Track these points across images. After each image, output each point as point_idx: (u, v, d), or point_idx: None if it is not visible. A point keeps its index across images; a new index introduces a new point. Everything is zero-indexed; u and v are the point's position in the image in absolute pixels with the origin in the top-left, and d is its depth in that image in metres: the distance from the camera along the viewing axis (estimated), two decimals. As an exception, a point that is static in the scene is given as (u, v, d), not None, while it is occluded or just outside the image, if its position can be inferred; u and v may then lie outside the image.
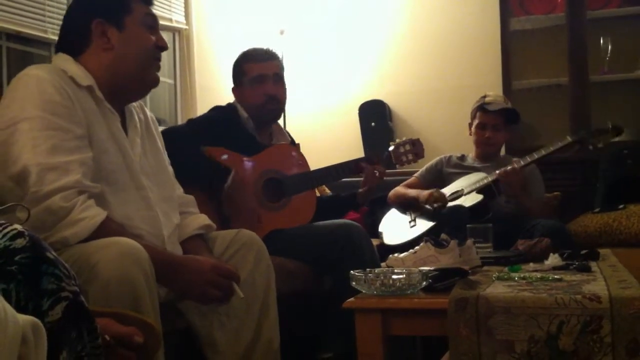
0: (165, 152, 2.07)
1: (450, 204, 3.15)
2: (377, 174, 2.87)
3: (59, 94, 1.71)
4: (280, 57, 2.98)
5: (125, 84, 1.88)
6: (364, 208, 3.47)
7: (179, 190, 2.08)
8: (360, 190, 2.91)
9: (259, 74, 2.82)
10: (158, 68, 1.93)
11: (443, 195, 3.20)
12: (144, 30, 1.89)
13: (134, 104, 1.98)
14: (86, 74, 1.81)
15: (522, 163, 3.15)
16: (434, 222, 3.17)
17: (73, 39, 1.88)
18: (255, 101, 2.81)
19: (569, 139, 3.17)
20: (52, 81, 1.72)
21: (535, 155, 3.14)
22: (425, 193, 3.24)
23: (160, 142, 2.05)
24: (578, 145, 3.22)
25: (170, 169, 2.07)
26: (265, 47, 2.94)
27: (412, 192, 3.38)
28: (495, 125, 3.35)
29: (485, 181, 3.18)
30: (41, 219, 1.59)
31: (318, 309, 2.72)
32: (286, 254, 2.55)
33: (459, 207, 3.08)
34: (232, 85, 2.93)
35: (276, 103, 2.85)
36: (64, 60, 1.84)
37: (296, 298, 2.49)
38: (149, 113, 2.06)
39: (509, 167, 3.12)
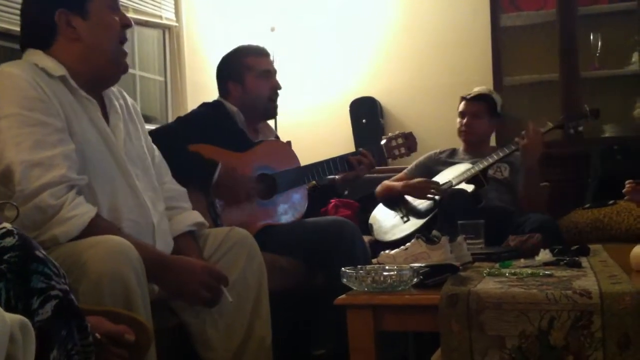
0: (149, 138, 2.06)
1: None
2: (365, 163, 2.86)
3: (34, 89, 1.69)
4: (271, 53, 3.00)
5: (99, 71, 1.86)
6: (355, 204, 3.48)
7: (168, 176, 2.07)
8: (337, 177, 2.90)
9: (266, 68, 2.88)
10: (125, 53, 1.91)
11: (435, 183, 3.24)
12: (108, 13, 1.86)
13: (112, 89, 1.96)
14: (58, 65, 1.80)
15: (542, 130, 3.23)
16: (427, 215, 3.18)
17: (38, 33, 1.85)
18: (262, 94, 2.85)
19: (549, 124, 3.31)
20: (25, 77, 1.70)
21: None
22: (414, 181, 3.28)
23: (142, 128, 2.03)
24: (558, 129, 3.37)
25: (158, 154, 2.06)
26: (255, 43, 2.97)
27: (398, 184, 3.39)
28: (474, 112, 3.38)
29: (473, 171, 3.20)
30: (30, 218, 1.58)
31: (310, 306, 2.72)
32: (278, 250, 2.55)
33: (462, 191, 3.09)
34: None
35: (277, 98, 2.90)
36: (33, 55, 1.82)
37: (288, 295, 2.49)
38: (129, 99, 2.04)
39: (532, 128, 3.17)
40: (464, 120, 3.40)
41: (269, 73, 2.88)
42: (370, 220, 3.40)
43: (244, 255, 1.99)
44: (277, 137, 3.05)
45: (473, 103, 3.39)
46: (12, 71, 1.73)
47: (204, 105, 2.89)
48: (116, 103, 1.94)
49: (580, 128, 3.37)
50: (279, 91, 2.92)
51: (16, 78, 1.70)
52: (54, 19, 1.82)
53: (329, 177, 2.92)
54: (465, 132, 3.41)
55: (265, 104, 2.86)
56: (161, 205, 1.95)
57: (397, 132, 3.02)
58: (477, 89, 3.45)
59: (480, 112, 3.38)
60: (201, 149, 2.59)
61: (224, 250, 1.99)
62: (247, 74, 2.86)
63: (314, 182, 2.90)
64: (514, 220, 2.99)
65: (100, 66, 1.85)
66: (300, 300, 2.69)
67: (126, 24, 1.90)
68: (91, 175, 1.73)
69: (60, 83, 1.78)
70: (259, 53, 2.91)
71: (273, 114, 2.96)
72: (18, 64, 1.78)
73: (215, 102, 2.89)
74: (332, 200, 3.34)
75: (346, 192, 3.07)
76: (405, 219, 3.28)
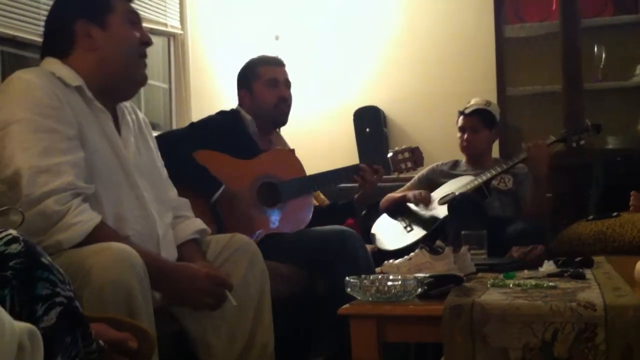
0: (159, 153, 2.07)
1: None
2: (373, 178, 2.87)
3: (48, 96, 1.70)
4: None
5: (114, 83, 1.87)
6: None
7: (173, 192, 2.08)
8: (356, 196, 2.92)
9: (273, 77, 2.91)
10: (145, 65, 1.93)
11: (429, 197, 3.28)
12: (127, 27, 1.88)
13: (126, 104, 1.97)
14: (75, 74, 1.81)
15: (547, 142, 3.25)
16: (430, 226, 3.19)
17: (58, 42, 1.87)
18: (268, 102, 2.87)
19: (552, 137, 3.31)
20: (41, 84, 1.72)
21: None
22: (415, 192, 3.32)
23: (152, 143, 2.05)
24: (560, 143, 3.37)
25: (164, 170, 2.07)
26: (265, 52, 3.05)
27: (399, 193, 3.41)
28: (473, 127, 3.40)
29: (476, 182, 3.21)
30: (35, 223, 1.58)
31: (311, 314, 2.72)
32: (280, 258, 2.55)
33: (470, 196, 3.09)
34: (227, 88, 2.95)
35: (286, 106, 2.92)
36: (51, 63, 1.84)
37: (289, 302, 2.49)
38: (140, 114, 2.05)
39: (533, 142, 3.18)
40: (465, 136, 3.41)
41: (276, 82, 2.90)
42: (373, 230, 3.40)
43: (246, 262, 1.99)
44: (292, 150, 3.05)
45: (471, 117, 3.40)
46: (28, 77, 1.74)
47: (220, 113, 2.93)
48: (128, 117, 1.95)
49: (582, 142, 3.37)
50: (289, 99, 2.94)
51: (31, 84, 1.71)
52: (74, 28, 1.84)
53: (349, 199, 2.95)
54: (467, 147, 3.43)
55: (272, 112, 2.88)
56: (168, 217, 1.96)
57: (403, 147, 3.04)
58: (473, 102, 3.46)
59: (478, 126, 3.40)
60: (207, 156, 2.60)
61: (225, 257, 1.99)
62: (255, 82, 2.90)
63: (326, 200, 2.91)
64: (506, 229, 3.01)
65: (114, 77, 1.86)
66: (301, 308, 2.68)
67: (146, 41, 1.92)
68: (99, 184, 1.74)
69: (76, 93, 1.79)
70: (270, 62, 2.95)
71: (281, 122, 2.97)
72: (35, 71, 1.80)
73: (232, 110, 2.93)
74: (349, 220, 3.34)
75: (364, 212, 3.10)
76: (408, 228, 3.28)
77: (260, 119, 2.87)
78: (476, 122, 3.39)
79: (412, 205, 3.36)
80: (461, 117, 3.44)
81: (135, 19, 1.92)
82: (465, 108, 3.44)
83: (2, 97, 1.73)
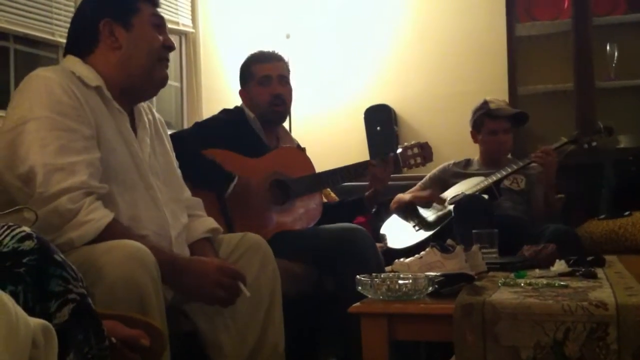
0: (174, 154, 2.08)
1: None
2: (383, 174, 2.86)
3: (67, 95, 1.71)
4: (286, 60, 2.99)
5: (134, 83, 1.88)
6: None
7: (188, 193, 2.09)
8: (367, 193, 2.91)
9: (265, 74, 2.85)
10: (166, 67, 1.94)
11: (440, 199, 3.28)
12: (151, 29, 1.90)
13: (143, 104, 1.99)
14: (95, 74, 1.82)
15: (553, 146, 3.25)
16: (439, 224, 3.19)
17: (81, 40, 1.89)
18: (262, 101, 2.83)
19: (563, 139, 3.30)
20: (60, 82, 1.73)
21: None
22: (424, 194, 3.32)
23: (168, 144, 2.06)
24: (572, 144, 3.34)
25: (179, 171, 2.08)
26: (271, 49, 2.96)
27: (407, 195, 3.40)
28: (505, 129, 3.37)
29: (486, 183, 3.20)
30: (48, 221, 1.59)
31: (322, 312, 2.72)
32: (291, 256, 2.55)
33: (478, 196, 3.08)
34: (238, 87, 2.94)
35: (282, 103, 2.86)
36: (72, 62, 1.85)
37: (300, 301, 2.49)
38: (157, 115, 2.06)
39: (542, 150, 3.19)
40: (500, 139, 3.36)
41: (268, 79, 2.84)
42: (383, 230, 3.40)
43: (258, 261, 1.99)
44: (299, 146, 3.03)
45: (504, 120, 3.36)
46: (47, 75, 1.75)
47: (224, 112, 2.91)
48: (145, 118, 1.96)
49: (594, 143, 3.36)
50: (291, 96, 2.89)
51: (51, 82, 1.72)
52: (98, 27, 1.85)
53: (360, 195, 2.93)
54: (500, 151, 3.39)
55: (267, 110, 2.84)
56: (184, 218, 1.96)
57: (412, 142, 3.01)
58: (494, 102, 3.39)
59: (509, 128, 3.38)
60: (216, 155, 2.60)
61: (237, 256, 1.99)
62: (251, 82, 2.88)
63: (333, 194, 2.89)
64: (529, 230, 2.98)
65: (135, 77, 1.87)
66: (311, 306, 2.68)
67: (169, 45, 1.93)
68: (114, 184, 1.75)
69: (95, 93, 1.80)
70: (262, 59, 2.89)
71: (279, 120, 2.93)
72: (54, 69, 1.81)
73: (235, 108, 2.91)
74: (361, 219, 3.33)
75: (374, 209, 3.08)
76: (417, 228, 3.29)
77: (260, 118, 2.84)
78: (509, 125, 3.37)
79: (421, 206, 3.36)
80: (492, 120, 3.36)
81: (160, 22, 1.93)
82: (491, 109, 3.36)
83: (21, 94, 1.74)
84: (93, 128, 1.74)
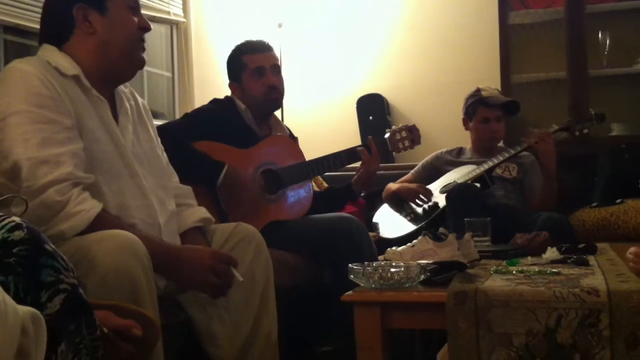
0: (159, 139, 2.06)
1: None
2: (369, 157, 2.84)
3: (45, 87, 1.70)
4: (278, 50, 2.98)
5: (114, 68, 1.87)
6: (361, 201, 3.47)
7: (175, 178, 2.08)
8: (354, 178, 2.90)
9: (259, 65, 2.83)
10: (143, 49, 1.92)
11: (428, 191, 3.28)
12: (127, 12, 1.88)
13: (124, 90, 1.97)
14: (72, 63, 1.80)
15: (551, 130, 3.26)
16: (432, 214, 3.19)
17: (55, 28, 1.86)
18: (257, 93, 2.82)
19: (554, 126, 3.33)
20: (37, 74, 1.71)
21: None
22: (411, 187, 3.32)
23: (152, 130, 2.04)
24: (564, 132, 3.39)
25: (165, 156, 2.06)
26: (259, 39, 2.94)
27: (395, 185, 3.40)
28: (498, 117, 3.37)
29: (478, 171, 3.20)
30: (37, 213, 1.59)
31: (317, 302, 2.72)
32: (284, 246, 2.55)
33: (470, 185, 3.08)
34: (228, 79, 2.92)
35: (277, 93, 2.86)
36: (48, 51, 1.83)
37: (295, 291, 2.49)
38: (139, 99, 2.04)
39: (540, 134, 3.18)
40: (493, 127, 3.37)
41: (262, 70, 2.82)
42: (375, 219, 3.41)
43: (251, 251, 1.99)
44: (291, 134, 3.02)
45: (497, 109, 3.37)
46: (24, 68, 1.73)
47: (214, 102, 2.89)
48: (127, 104, 1.94)
49: (586, 131, 3.39)
50: (279, 85, 2.86)
51: (28, 75, 1.71)
52: (72, 13, 1.83)
53: (348, 182, 2.92)
54: (493, 139, 3.40)
55: (262, 101, 2.83)
56: (171, 205, 1.95)
57: (400, 125, 3.01)
58: (486, 90, 3.41)
59: (501, 116, 3.39)
60: (206, 147, 2.59)
61: (230, 246, 1.99)
62: (243, 73, 2.85)
63: (325, 184, 2.88)
64: (522, 218, 2.98)
65: (113, 60, 1.85)
66: (306, 296, 2.68)
67: (145, 27, 1.91)
68: (99, 173, 1.74)
69: (73, 82, 1.79)
70: (253, 50, 2.87)
71: (274, 109, 2.92)
72: (30, 61, 1.79)
73: (226, 98, 2.89)
74: (349, 206, 3.32)
75: (362, 194, 3.07)
76: (409, 217, 3.30)
77: (253, 109, 2.83)
78: (501, 113, 3.38)
79: None
80: (485, 108, 3.37)
81: (134, 4, 1.91)
82: (484, 97, 3.37)
83: None
84: (73, 118, 1.72)
